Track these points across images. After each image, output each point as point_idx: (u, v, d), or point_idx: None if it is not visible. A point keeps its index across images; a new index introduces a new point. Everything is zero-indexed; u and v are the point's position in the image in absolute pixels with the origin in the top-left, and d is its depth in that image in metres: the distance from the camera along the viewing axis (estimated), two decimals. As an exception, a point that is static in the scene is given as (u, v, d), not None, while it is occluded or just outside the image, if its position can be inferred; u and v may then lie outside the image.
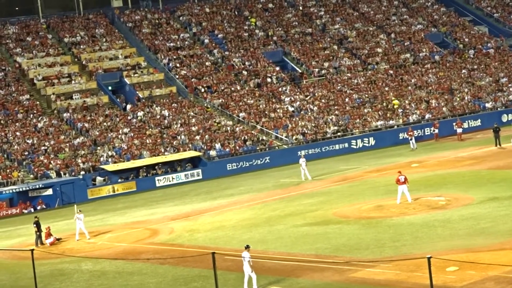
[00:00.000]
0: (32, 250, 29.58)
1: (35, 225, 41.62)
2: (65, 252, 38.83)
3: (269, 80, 78.96)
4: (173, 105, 73.22)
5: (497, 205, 37.01)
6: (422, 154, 60.33)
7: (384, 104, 75.21)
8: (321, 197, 46.30)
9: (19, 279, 34.13)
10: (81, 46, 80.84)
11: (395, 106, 74.65)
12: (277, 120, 71.64)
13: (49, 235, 41.52)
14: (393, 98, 76.02)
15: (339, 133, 70.14)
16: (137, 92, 74.55)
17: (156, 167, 62.41)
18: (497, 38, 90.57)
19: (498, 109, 75.54)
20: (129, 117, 70.79)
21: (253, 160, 65.33)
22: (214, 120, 70.87)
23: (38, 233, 41.45)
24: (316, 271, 29.09)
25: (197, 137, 67.14)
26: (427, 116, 73.17)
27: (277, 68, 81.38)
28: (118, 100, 74.30)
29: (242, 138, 67.97)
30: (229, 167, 64.41)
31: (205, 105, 73.88)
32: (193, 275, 30.81)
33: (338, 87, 78.68)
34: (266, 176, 59.73)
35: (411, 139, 64.75)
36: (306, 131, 69.71)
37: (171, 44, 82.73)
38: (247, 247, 27.38)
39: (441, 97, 77.12)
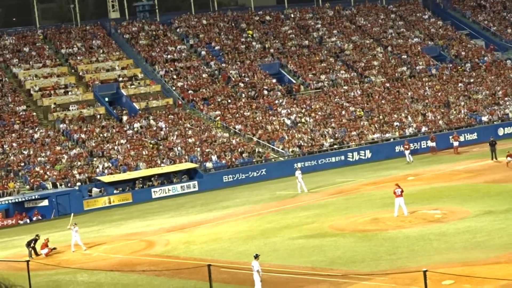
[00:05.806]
0: (27, 261, 29.54)
1: (33, 242, 41.42)
2: (60, 263, 38.69)
3: (265, 92, 79.02)
4: (169, 116, 73.26)
5: (493, 218, 37.05)
6: (418, 167, 60.35)
7: (381, 117, 75.30)
8: (317, 209, 46.27)
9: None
10: (78, 57, 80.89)
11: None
12: (274, 132, 71.64)
13: (45, 246, 41.41)
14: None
15: (335, 146, 70.16)
16: (134, 103, 74.57)
17: (152, 179, 62.37)
18: (494, 51, 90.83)
19: (494, 122, 75.65)
20: (125, 129, 70.79)
21: (249, 172, 65.27)
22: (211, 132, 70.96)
23: (33, 246, 41.30)
24: (312, 283, 29.06)
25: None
26: (424, 129, 73.24)
27: (274, 81, 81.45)
28: (114, 111, 74.33)
29: (239, 150, 67.96)
30: (225, 179, 64.35)
31: (203, 117, 73.96)
32: (188, 287, 30.77)
33: (335, 100, 78.75)
34: (262, 188, 59.69)
35: (407, 152, 64.74)
36: (302, 144, 69.70)
37: (168, 56, 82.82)
38: (256, 256, 27.29)
39: (437, 110, 77.23)
